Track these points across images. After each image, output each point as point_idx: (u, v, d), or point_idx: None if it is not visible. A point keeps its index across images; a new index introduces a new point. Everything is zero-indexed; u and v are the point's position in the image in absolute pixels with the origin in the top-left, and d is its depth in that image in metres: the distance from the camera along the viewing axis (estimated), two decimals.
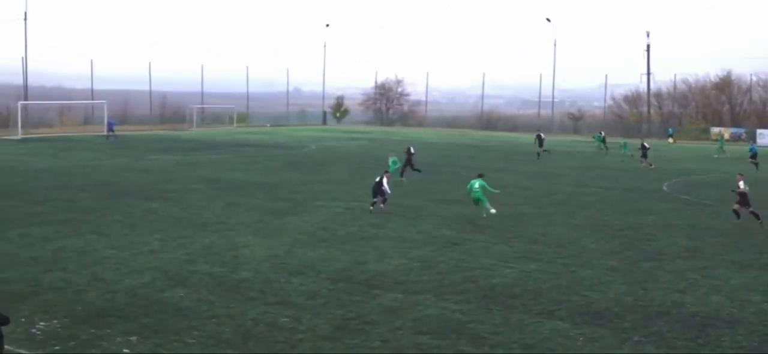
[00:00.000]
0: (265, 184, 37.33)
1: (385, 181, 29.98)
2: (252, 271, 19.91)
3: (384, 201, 29.89)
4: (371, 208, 29.71)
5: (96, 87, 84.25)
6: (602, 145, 65.83)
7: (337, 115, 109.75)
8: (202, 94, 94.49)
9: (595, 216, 30.08)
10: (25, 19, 72.40)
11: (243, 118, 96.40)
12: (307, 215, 28.63)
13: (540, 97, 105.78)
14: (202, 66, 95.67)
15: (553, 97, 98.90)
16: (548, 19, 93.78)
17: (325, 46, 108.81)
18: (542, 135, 59.02)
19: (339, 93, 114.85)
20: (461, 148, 64.68)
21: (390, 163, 39.05)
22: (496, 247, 23.70)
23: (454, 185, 38.28)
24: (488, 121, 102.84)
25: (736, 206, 28.60)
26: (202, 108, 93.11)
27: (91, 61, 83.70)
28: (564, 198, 35.43)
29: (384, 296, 17.79)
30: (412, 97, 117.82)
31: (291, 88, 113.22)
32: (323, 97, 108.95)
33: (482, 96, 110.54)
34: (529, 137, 70.07)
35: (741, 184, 28.47)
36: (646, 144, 53.17)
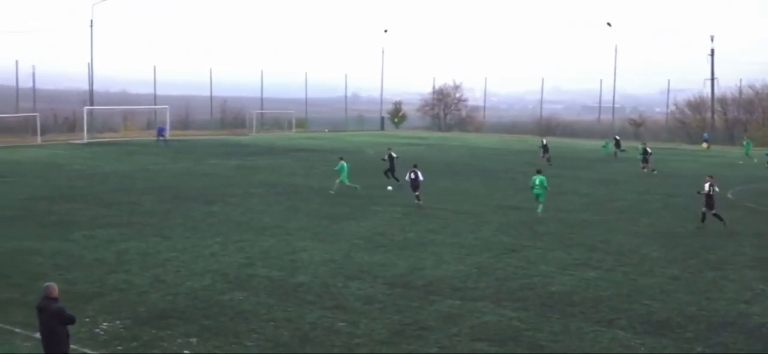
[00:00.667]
0: (323, 189, 37.53)
1: (420, 174, 32.81)
2: (310, 275, 20.04)
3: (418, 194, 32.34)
4: (418, 201, 32.20)
5: (159, 92, 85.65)
6: (618, 150, 64.43)
7: (395, 120, 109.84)
8: (262, 99, 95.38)
9: (657, 223, 29.52)
10: (92, 26, 74.10)
11: (302, 124, 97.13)
12: (365, 220, 28.70)
13: (600, 102, 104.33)
14: (261, 71, 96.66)
15: (613, 103, 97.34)
16: (609, 24, 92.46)
17: (383, 52, 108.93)
18: (544, 140, 58.67)
19: (397, 98, 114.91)
20: (519, 154, 64.16)
21: (344, 170, 37.08)
22: (554, 254, 23.43)
23: (513, 191, 38.00)
24: (547, 126, 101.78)
25: (703, 209, 28.87)
26: (262, 113, 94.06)
27: (154, 67, 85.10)
28: (625, 205, 34.86)
29: (441, 302, 17.73)
30: (470, 103, 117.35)
31: (349, 94, 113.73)
32: (381, 103, 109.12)
33: (541, 101, 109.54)
34: (591, 143, 69.22)
35: (706, 186, 28.81)
36: (648, 149, 52.06)
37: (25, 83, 76.74)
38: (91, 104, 75.16)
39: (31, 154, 55.15)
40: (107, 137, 73.32)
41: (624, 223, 29.72)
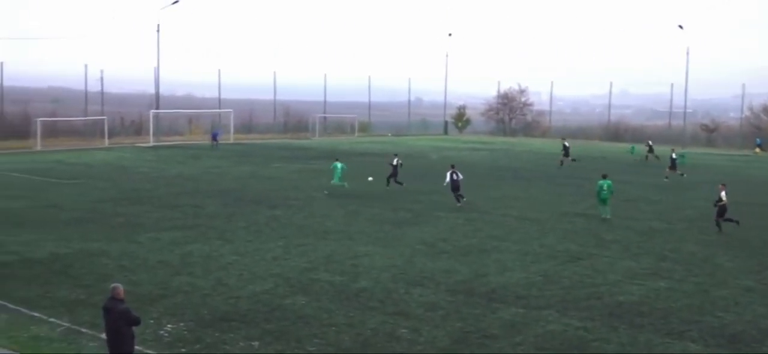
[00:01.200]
0: (385, 193, 37.59)
1: (459, 174, 34.04)
2: (371, 280, 20.08)
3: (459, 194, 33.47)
4: (459, 203, 33.23)
5: (223, 96, 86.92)
6: (650, 155, 63.00)
7: (459, 125, 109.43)
8: (325, 103, 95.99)
9: (731, 232, 28.76)
10: (158, 30, 75.60)
11: (364, 128, 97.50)
12: (428, 226, 28.65)
13: (671, 107, 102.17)
14: (325, 75, 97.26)
15: (685, 108, 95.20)
16: (681, 26, 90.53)
17: (447, 56, 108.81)
18: (567, 143, 58.25)
19: (461, 102, 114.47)
20: (586, 160, 63.26)
21: (337, 170, 38.11)
22: (622, 262, 23.03)
23: (579, 198, 37.48)
24: (615, 131, 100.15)
25: (716, 218, 28.84)
26: (324, 117, 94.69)
27: (219, 71, 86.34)
28: (696, 213, 34.05)
29: (505, 310, 17.57)
30: (536, 107, 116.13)
31: (412, 98, 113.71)
32: (445, 107, 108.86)
33: (609, 105, 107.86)
34: (662, 149, 67.82)
35: (723, 194, 28.72)
36: (673, 155, 51.26)
37: (94, 87, 78.72)
38: (157, 108, 76.60)
39: (99, 156, 56.56)
40: (172, 140, 74.75)
41: (694, 231, 29.05)
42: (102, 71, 79.74)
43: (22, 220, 28.11)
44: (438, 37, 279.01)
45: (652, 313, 17.69)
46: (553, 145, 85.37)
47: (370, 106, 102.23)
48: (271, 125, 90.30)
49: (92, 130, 71.09)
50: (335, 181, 37.92)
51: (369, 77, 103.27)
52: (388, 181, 40.51)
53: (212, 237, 25.48)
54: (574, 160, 56.47)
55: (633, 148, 66.74)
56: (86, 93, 77.01)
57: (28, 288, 18.61)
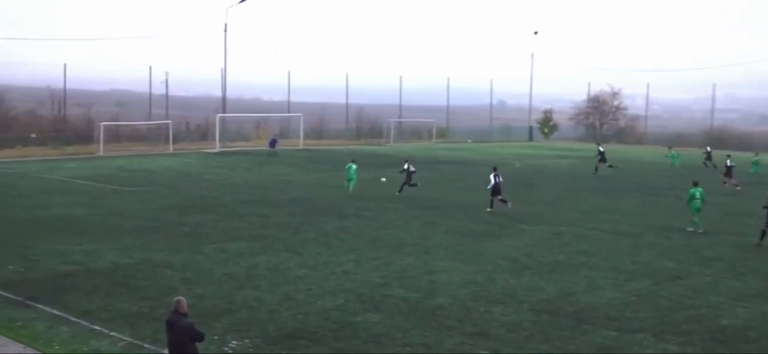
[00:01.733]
0: (465, 204, 37.48)
1: (500, 177, 35.69)
2: (449, 297, 20.02)
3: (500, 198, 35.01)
4: (493, 208, 34.86)
5: (293, 99, 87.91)
6: (708, 163, 61.66)
7: (545, 130, 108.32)
8: (400, 107, 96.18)
9: None
10: (225, 30, 76.89)
11: (443, 133, 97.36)
12: (510, 239, 28.45)
13: None
14: (400, 77, 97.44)
15: None
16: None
17: (532, 55, 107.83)
18: (602, 148, 58.15)
19: (547, 106, 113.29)
20: (686, 168, 61.86)
21: (351, 171, 41.88)
22: (726, 282, 22.44)
23: (677, 211, 36.67)
24: (718, 138, 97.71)
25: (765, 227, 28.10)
26: (400, 122, 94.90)
27: (288, 73, 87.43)
28: None
29: (595, 333, 17.31)
30: (630, 111, 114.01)
31: (495, 101, 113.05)
32: (529, 111, 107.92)
33: (712, 110, 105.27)
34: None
35: None
36: (728, 162, 50.05)
37: (158, 90, 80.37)
38: (224, 111, 77.89)
39: (162, 162, 57.87)
40: (239, 146, 75.96)
41: None
42: (167, 73, 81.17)
43: (83, 228, 28.96)
44: (522, 35, 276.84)
45: (761, 339, 17.19)
46: (650, 153, 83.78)
47: (448, 109, 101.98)
48: (343, 130, 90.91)
49: (156, 135, 72.68)
50: (352, 182, 41.10)
51: (448, 79, 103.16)
52: (402, 188, 41.30)
53: (280, 249, 25.79)
54: (611, 166, 56.53)
55: (673, 155, 63.99)
56: (150, 96, 78.73)
57: (90, 300, 19.15)
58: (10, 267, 22.44)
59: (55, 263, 23.03)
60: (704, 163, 62.19)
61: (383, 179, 45.10)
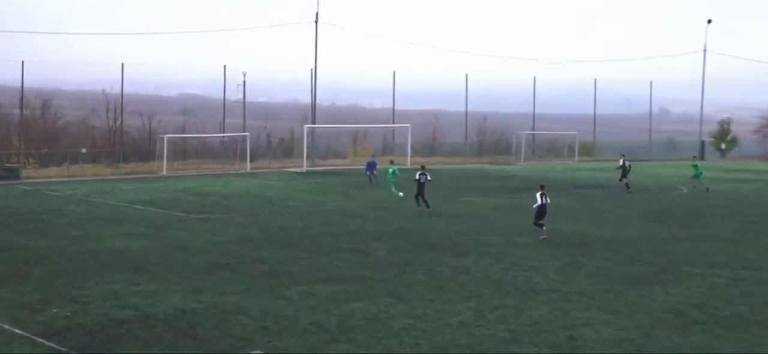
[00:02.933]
0: (616, 240, 36.90)
1: (547, 198, 37.20)
2: None
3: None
4: (543, 237, 36.26)
5: (399, 107, 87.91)
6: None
7: (721, 146, 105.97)
8: (534, 116, 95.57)
9: None
10: (316, 21, 77.67)
11: (587, 149, 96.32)
12: (675, 286, 27.85)
13: None
14: (534, 78, 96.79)
15: None
16: None
17: (704, 51, 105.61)
18: (627, 162, 60.18)
19: (723, 115, 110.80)
20: None
21: (388, 174, 46.29)
22: None
23: None
24: None
25: None
26: (533, 134, 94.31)
27: (393, 74, 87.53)
28: None
29: None
30: None
31: (655, 109, 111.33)
32: (700, 122, 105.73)
33: None
34: None
35: None
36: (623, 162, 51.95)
37: (233, 95, 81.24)
38: (313, 121, 78.80)
39: (238, 184, 58.94)
40: (332, 164, 76.67)
41: None
42: (244, 75, 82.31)
43: (141, 264, 29.67)
44: (691, 24, 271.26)
45: None
46: None
47: (595, 119, 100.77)
48: (461, 145, 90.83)
49: (231, 151, 73.96)
50: (389, 184, 46.16)
51: (594, 80, 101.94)
52: (418, 201, 45.39)
53: (381, 293, 25.84)
54: (627, 184, 58.63)
55: (697, 168, 63.00)
56: (224, 102, 79.68)
57: (148, 352, 19.54)
58: (55, 310, 23.12)
59: (108, 307, 23.62)
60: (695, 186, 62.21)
61: (400, 194, 48.97)
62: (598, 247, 35.07)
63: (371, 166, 62.28)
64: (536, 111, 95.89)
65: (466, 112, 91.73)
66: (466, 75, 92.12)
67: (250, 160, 71.26)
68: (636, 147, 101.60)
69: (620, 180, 59.54)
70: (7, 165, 62.99)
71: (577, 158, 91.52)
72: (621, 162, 60.11)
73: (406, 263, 30.72)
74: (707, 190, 59.41)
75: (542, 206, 37.15)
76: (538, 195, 37.46)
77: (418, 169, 46.82)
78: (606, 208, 48.79)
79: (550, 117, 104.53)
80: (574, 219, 43.42)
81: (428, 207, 45.05)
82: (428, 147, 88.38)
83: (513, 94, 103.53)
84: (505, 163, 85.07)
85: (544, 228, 36.98)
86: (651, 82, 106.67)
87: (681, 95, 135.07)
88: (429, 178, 46.09)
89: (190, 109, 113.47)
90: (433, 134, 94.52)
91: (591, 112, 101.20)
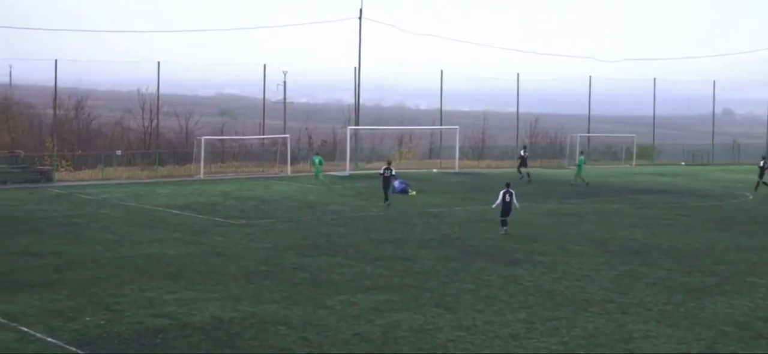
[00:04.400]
0: (676, 249, 36.65)
1: (514, 198, 39.35)
2: None
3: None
4: (502, 231, 38.93)
5: (446, 107, 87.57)
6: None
7: None
8: (589, 117, 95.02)
9: None
10: (360, 18, 77.84)
11: (646, 152, 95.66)
12: (739, 297, 27.61)
13: None
14: (589, 77, 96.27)
15: None
16: None
17: None
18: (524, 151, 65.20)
19: None
20: None
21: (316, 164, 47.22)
22: None
23: None
24: None
25: None
26: (588, 136, 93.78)
27: (441, 72, 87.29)
28: None
29: None
30: None
31: (718, 111, 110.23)
32: None
33: None
34: None
35: None
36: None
37: (273, 95, 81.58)
38: (357, 123, 78.91)
39: (278, 188, 59.20)
40: (376, 168, 76.61)
41: None
42: (285, 74, 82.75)
43: (177, 271, 29.90)
44: (758, 21, 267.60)
45: None
46: None
47: (654, 120, 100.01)
48: (512, 148, 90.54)
49: (270, 153, 74.27)
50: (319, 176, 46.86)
51: (654, 79, 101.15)
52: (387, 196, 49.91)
53: (427, 303, 25.84)
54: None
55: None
56: (264, 103, 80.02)
57: None
58: (88, 318, 23.36)
59: (143, 315, 23.84)
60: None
61: (413, 193, 52.65)
62: (656, 256, 34.85)
63: (403, 188, 56.97)
64: (591, 112, 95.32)
65: (517, 113, 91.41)
66: (517, 74, 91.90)
67: (291, 163, 71.43)
68: (698, 150, 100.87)
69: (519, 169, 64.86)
70: (39, 167, 63.82)
71: (634, 162, 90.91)
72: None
73: (454, 272, 30.71)
74: None
75: (507, 204, 39.46)
76: (501, 193, 39.70)
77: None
78: (665, 215, 48.45)
79: (606, 118, 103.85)
80: (631, 226, 43.17)
81: (386, 200, 49.78)
82: (477, 150, 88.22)
83: (566, 94, 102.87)
84: (559, 166, 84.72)
85: (506, 227, 39.31)
86: (714, 82, 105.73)
87: (747, 95, 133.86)
88: (393, 172, 50.69)
89: (228, 109, 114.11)
90: (482, 136, 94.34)
91: (649, 113, 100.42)
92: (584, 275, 30.57)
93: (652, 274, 31.17)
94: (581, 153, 71.86)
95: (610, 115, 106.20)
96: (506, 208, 39.49)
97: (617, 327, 23.58)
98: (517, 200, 40.04)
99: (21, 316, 23.36)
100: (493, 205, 40.57)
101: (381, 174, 51.12)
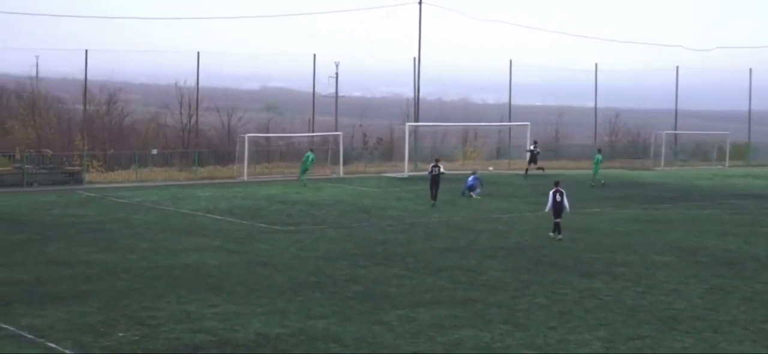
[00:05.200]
0: None
1: (565, 199, 40.13)
2: None
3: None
4: (552, 234, 39.87)
5: (516, 102, 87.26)
6: None
7: None
8: (676, 112, 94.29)
9: None
10: (420, 2, 77.84)
11: (740, 152, 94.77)
12: None
13: None
14: (676, 68, 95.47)
15: None
16: None
17: None
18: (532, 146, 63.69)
19: None
20: None
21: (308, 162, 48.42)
22: None
23: None
24: None
25: None
26: (675, 134, 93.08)
27: (510, 63, 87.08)
28: None
29: None
30: None
31: None
32: None
33: None
34: None
35: None
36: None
37: (324, 88, 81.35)
38: (416, 119, 78.88)
39: (329, 192, 59.31)
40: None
41: None
42: (337, 65, 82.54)
43: (219, 282, 30.06)
44: None
45: None
46: None
47: (750, 117, 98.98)
48: (589, 146, 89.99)
49: (321, 152, 74.33)
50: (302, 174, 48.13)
51: (749, 70, 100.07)
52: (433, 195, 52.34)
53: (494, 319, 25.79)
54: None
55: None
56: (314, 97, 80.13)
57: None
58: (121, 334, 23.56)
59: (181, 330, 23.98)
60: None
61: (473, 195, 55.23)
62: (753, 268, 34.51)
63: (470, 186, 58.22)
64: (679, 107, 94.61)
65: (595, 108, 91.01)
66: (596, 65, 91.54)
67: (344, 164, 71.60)
68: None
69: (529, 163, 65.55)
70: (68, 168, 64.41)
71: (727, 163, 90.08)
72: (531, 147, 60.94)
73: (524, 285, 30.60)
74: None
75: (557, 203, 39.79)
76: (551, 193, 40.60)
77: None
78: (763, 222, 47.98)
79: (695, 114, 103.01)
80: (724, 234, 42.79)
81: (434, 200, 52.27)
82: (551, 149, 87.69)
83: (651, 88, 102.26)
84: (642, 167, 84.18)
85: (559, 231, 40.03)
86: None
87: None
88: (442, 171, 51.87)
89: (274, 104, 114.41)
90: (557, 134, 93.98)
91: (744, 108, 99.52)
92: (671, 289, 30.33)
93: (748, 288, 30.87)
94: (599, 150, 72.27)
95: (700, 110, 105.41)
96: (558, 209, 40.22)
97: (708, 347, 23.39)
98: (567, 201, 40.58)
99: (49, 330, 23.59)
100: (546, 209, 41.21)
101: (429, 172, 53.15)
